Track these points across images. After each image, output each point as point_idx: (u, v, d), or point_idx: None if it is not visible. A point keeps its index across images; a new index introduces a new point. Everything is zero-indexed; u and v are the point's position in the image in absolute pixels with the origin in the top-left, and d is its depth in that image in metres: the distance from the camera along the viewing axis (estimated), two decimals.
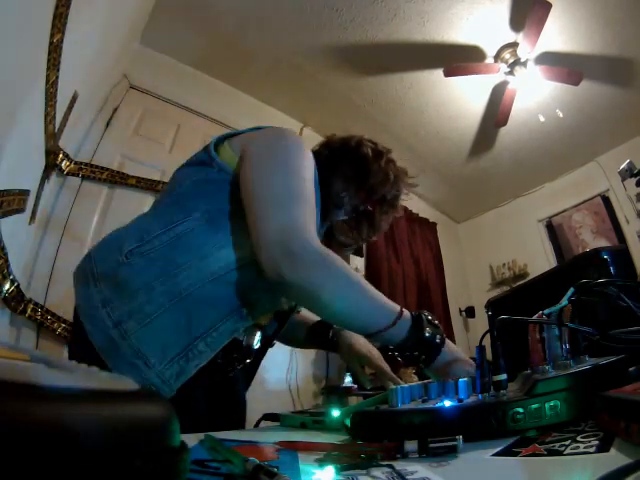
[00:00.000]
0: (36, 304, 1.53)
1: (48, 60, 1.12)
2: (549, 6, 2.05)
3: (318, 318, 0.92)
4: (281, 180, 0.60)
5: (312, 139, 0.91)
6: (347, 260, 0.60)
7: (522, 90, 2.62)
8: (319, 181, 0.69)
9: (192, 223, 0.62)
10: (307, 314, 0.95)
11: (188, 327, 0.58)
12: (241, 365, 0.71)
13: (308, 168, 0.64)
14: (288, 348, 2.31)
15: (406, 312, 0.58)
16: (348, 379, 2.14)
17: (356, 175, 0.79)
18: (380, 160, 0.81)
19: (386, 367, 0.79)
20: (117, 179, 1.98)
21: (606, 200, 3.33)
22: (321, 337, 0.88)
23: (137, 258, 0.60)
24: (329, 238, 0.84)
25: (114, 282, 0.59)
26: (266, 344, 0.79)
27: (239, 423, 0.78)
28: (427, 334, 0.57)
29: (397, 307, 0.58)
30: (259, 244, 0.56)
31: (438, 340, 0.58)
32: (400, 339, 0.57)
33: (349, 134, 0.86)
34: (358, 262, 3.01)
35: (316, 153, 0.79)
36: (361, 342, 0.84)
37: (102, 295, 0.59)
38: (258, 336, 0.72)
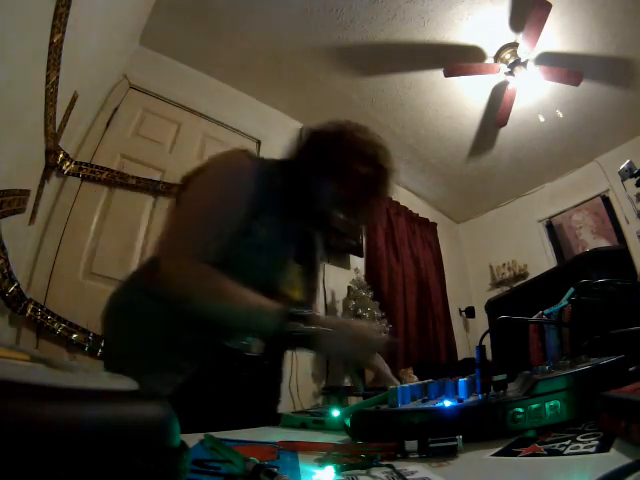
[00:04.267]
0: (36, 304, 1.53)
1: (48, 60, 1.12)
2: (549, 6, 2.05)
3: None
4: (181, 216, 0.73)
5: None
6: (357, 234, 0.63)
7: (522, 90, 2.62)
8: (299, 183, 0.75)
9: None
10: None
11: None
12: (236, 374, 0.71)
13: (221, 196, 0.70)
14: None
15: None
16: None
17: (319, 165, 0.75)
18: (337, 140, 0.75)
19: (385, 369, 0.79)
20: (117, 179, 1.98)
21: (606, 200, 3.32)
22: None
23: None
24: (325, 228, 0.86)
25: None
26: (273, 350, 0.79)
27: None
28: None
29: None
30: None
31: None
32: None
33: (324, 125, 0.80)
34: (358, 262, 3.01)
35: (294, 160, 0.79)
36: None
37: None
38: (258, 343, 0.73)
